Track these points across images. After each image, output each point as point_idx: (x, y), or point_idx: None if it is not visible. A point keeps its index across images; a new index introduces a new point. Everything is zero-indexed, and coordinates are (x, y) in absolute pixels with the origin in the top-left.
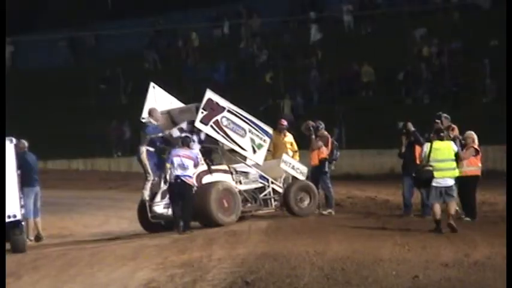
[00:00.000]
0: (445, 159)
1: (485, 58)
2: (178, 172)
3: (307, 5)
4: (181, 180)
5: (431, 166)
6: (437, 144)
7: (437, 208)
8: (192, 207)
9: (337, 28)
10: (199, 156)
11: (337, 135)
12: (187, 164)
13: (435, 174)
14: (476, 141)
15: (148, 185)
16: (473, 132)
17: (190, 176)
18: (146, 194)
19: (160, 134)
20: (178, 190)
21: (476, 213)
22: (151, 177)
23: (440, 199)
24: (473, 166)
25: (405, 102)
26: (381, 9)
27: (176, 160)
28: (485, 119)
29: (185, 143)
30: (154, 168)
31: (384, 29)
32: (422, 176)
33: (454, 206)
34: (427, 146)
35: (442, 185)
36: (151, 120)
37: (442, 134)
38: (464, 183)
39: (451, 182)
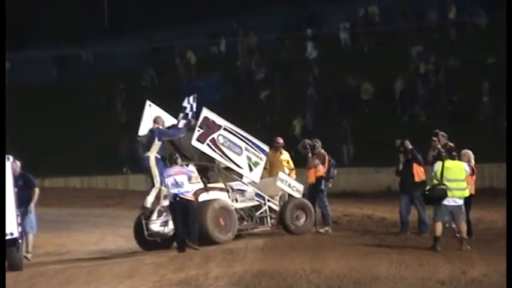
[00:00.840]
0: (456, 179)
1: (482, 76)
2: (175, 191)
3: (304, 22)
4: (180, 197)
5: (444, 185)
6: (448, 163)
7: (439, 226)
8: (197, 222)
9: (334, 45)
10: (193, 169)
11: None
12: (180, 180)
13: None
14: (472, 160)
15: (154, 193)
16: (469, 151)
17: (188, 191)
18: (150, 201)
19: (168, 137)
20: (180, 208)
21: (472, 231)
22: (158, 185)
23: (447, 218)
24: (469, 185)
25: (402, 120)
26: (377, 27)
27: (169, 180)
28: (482, 137)
29: (172, 161)
30: (160, 177)
31: (380, 46)
32: (434, 194)
33: (464, 226)
34: (438, 164)
35: (451, 204)
36: (159, 126)
37: (454, 154)
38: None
39: (460, 202)
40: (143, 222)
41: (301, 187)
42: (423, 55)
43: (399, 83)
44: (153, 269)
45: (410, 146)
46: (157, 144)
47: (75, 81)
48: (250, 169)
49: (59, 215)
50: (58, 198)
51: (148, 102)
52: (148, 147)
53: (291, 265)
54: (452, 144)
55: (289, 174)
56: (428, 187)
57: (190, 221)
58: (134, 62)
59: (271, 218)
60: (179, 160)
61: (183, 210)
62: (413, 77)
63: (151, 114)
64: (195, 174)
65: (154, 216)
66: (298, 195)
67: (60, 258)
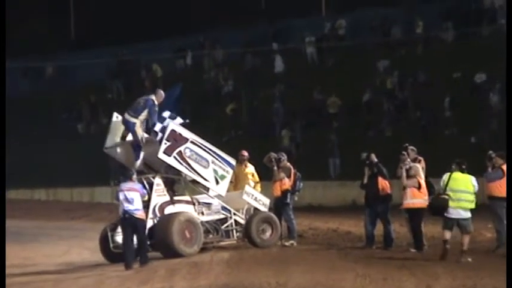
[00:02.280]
0: (461, 190)
1: (446, 91)
2: (125, 207)
3: (271, 36)
4: (129, 214)
5: (447, 195)
6: (456, 175)
7: (447, 233)
8: (146, 240)
9: (300, 59)
10: (159, 182)
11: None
12: (131, 197)
13: (450, 203)
14: (420, 173)
15: None
16: (417, 165)
17: (138, 209)
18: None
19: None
20: (128, 225)
21: (423, 245)
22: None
23: (452, 230)
24: (418, 199)
25: (368, 135)
26: (344, 41)
27: (121, 195)
28: (449, 152)
29: (127, 176)
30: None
31: (347, 60)
32: (436, 204)
33: (467, 238)
34: (446, 175)
35: (454, 217)
36: (155, 102)
37: (463, 167)
38: (411, 215)
39: (464, 214)
40: (109, 234)
41: (267, 201)
42: (389, 70)
43: (365, 97)
44: (119, 281)
45: (376, 160)
46: (145, 114)
47: (42, 94)
48: (217, 182)
49: (24, 227)
50: (23, 210)
51: (115, 114)
52: (135, 112)
53: (256, 279)
54: (421, 158)
55: (254, 187)
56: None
57: (139, 240)
58: (100, 75)
59: (237, 231)
60: (134, 176)
61: (131, 228)
62: (379, 92)
63: (119, 126)
64: (164, 192)
65: (120, 228)
66: (264, 208)
67: (25, 271)
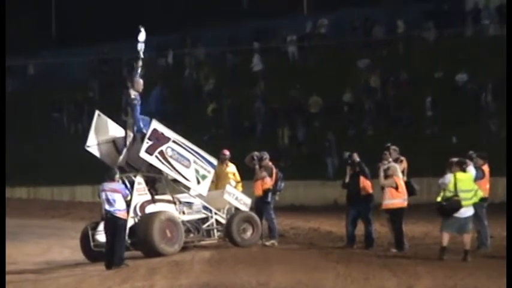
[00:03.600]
0: (468, 189)
1: (426, 90)
2: (107, 208)
3: (253, 34)
4: (111, 214)
5: (458, 196)
6: (460, 175)
7: (446, 236)
8: (124, 241)
9: (281, 58)
10: (141, 180)
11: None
12: (113, 198)
13: (463, 203)
14: (398, 173)
15: None
16: (395, 165)
17: (119, 210)
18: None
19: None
20: (110, 225)
21: (404, 244)
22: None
23: (455, 230)
24: (397, 199)
25: (348, 133)
26: (325, 40)
27: (103, 195)
28: (430, 151)
29: (110, 176)
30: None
31: (328, 59)
32: (451, 206)
33: (468, 237)
34: (450, 177)
35: (462, 216)
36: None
37: (464, 166)
38: (391, 215)
39: (470, 212)
40: (89, 233)
41: (248, 200)
42: (370, 69)
43: (347, 97)
44: (99, 280)
45: (358, 159)
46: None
47: (23, 92)
48: (198, 182)
49: None
50: None
51: (97, 112)
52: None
53: (237, 278)
54: (403, 158)
55: (235, 187)
56: (439, 199)
57: (116, 240)
58: (82, 74)
59: (218, 231)
60: (117, 176)
61: (112, 228)
62: (360, 91)
63: (100, 124)
64: (146, 191)
65: (101, 227)
66: (245, 208)
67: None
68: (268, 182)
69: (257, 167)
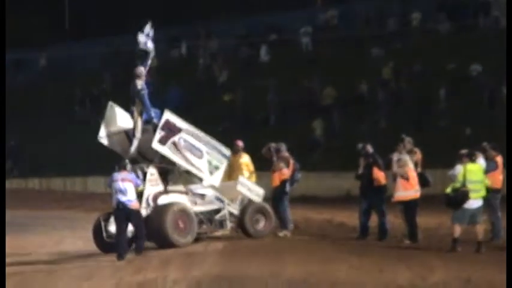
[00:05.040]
0: (478, 180)
1: (440, 82)
2: (119, 198)
3: (267, 26)
4: (123, 205)
5: (466, 187)
6: (471, 166)
7: (458, 228)
8: (143, 229)
9: (294, 50)
10: (153, 171)
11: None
12: (125, 187)
13: (471, 195)
14: (409, 164)
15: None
16: (406, 157)
17: (131, 200)
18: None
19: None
20: (123, 216)
21: (417, 236)
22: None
23: (466, 222)
24: (409, 190)
25: (363, 125)
26: (339, 32)
27: (115, 185)
28: (444, 143)
29: (121, 166)
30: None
31: (342, 51)
32: (459, 198)
33: (481, 228)
34: (460, 168)
35: (472, 208)
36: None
37: (473, 158)
38: (404, 207)
39: (480, 203)
40: (102, 224)
41: (261, 191)
42: (384, 61)
43: (361, 89)
44: (112, 271)
45: (372, 150)
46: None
47: (36, 84)
48: (211, 173)
49: (17, 216)
50: (17, 200)
51: (110, 103)
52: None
53: (249, 269)
54: (417, 150)
55: (248, 178)
56: (449, 190)
57: (136, 228)
58: (95, 65)
59: (230, 222)
60: (128, 166)
61: (125, 218)
62: (374, 83)
63: (113, 115)
64: (158, 181)
65: (113, 218)
66: (258, 199)
67: (17, 260)
68: (286, 173)
69: (274, 158)
